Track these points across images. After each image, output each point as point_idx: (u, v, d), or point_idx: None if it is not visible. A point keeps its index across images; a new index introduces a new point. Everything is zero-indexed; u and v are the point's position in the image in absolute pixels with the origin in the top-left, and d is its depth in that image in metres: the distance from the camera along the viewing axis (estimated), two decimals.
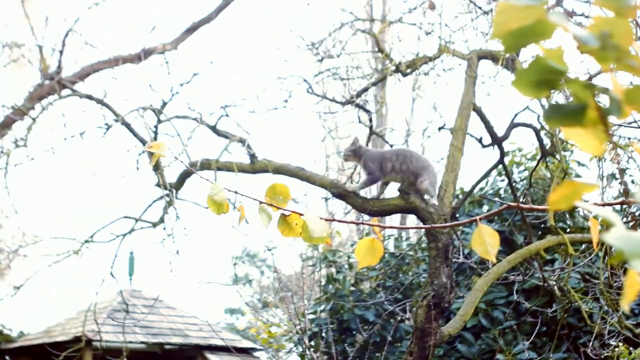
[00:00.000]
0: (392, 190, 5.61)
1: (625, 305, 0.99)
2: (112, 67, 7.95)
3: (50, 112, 6.69)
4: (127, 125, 6.56)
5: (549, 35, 0.94)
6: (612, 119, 0.98)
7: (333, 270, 9.61)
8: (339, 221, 2.07)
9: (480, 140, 6.32)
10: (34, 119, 6.58)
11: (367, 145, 6.95)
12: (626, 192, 6.32)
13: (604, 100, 0.98)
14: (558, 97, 6.15)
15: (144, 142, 6.48)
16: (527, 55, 6.09)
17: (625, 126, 5.45)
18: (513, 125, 6.22)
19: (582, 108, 0.96)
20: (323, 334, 8.79)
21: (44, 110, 6.63)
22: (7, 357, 11.53)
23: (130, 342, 9.85)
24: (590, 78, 5.53)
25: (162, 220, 6.65)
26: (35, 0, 8.98)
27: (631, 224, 6.33)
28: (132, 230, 6.63)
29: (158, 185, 6.44)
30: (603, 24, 0.94)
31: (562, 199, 1.09)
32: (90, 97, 6.67)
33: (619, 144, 6.01)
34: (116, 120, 6.46)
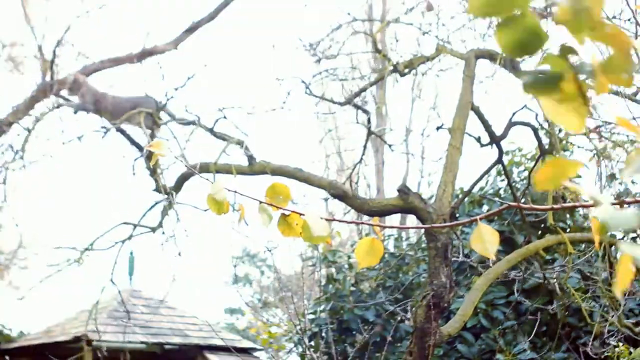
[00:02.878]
0: (392, 191, 5.63)
1: (618, 293, 0.99)
2: (110, 68, 7.95)
3: (47, 117, 6.69)
4: (122, 132, 6.55)
5: (525, 5, 0.95)
6: (611, 118, 0.99)
7: (333, 270, 9.62)
8: (339, 221, 2.07)
9: (478, 140, 6.33)
10: (29, 130, 6.59)
11: (365, 145, 6.96)
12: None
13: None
14: None
15: (140, 148, 6.48)
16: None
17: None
18: (511, 124, 6.22)
19: (558, 77, 0.97)
20: (323, 334, 8.79)
21: (39, 120, 6.63)
22: (7, 357, 11.53)
23: (130, 342, 9.85)
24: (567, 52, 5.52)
25: (160, 225, 6.65)
26: (35, 1, 8.98)
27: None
28: (131, 236, 6.63)
29: (157, 189, 6.44)
30: None
31: (547, 179, 1.09)
32: (84, 108, 6.67)
33: (619, 143, 6.01)
34: (114, 124, 6.45)
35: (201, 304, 26.35)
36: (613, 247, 6.03)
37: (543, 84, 0.98)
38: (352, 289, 9.45)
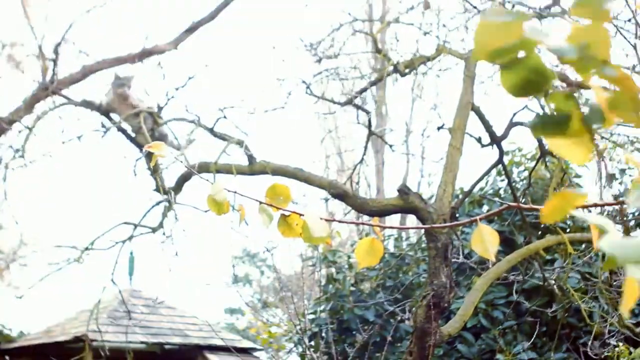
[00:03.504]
0: (392, 191, 5.65)
1: (625, 311, 0.99)
2: (110, 68, 7.94)
3: (47, 116, 6.68)
4: (124, 131, 6.55)
5: (530, 50, 0.95)
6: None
7: (333, 270, 9.62)
8: (339, 221, 2.08)
9: (479, 140, 6.33)
10: (30, 129, 6.58)
11: (366, 145, 6.96)
12: (609, 177, 6.31)
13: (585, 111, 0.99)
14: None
15: (141, 147, 6.48)
16: None
17: (624, 125, 5.45)
18: (512, 125, 6.23)
19: (566, 118, 0.97)
20: (323, 334, 8.79)
21: (39, 119, 6.63)
22: (7, 357, 11.53)
23: (130, 342, 9.85)
24: (580, 87, 5.55)
25: (161, 225, 6.65)
26: (35, 1, 8.98)
27: (624, 226, 6.33)
28: (132, 236, 6.63)
29: (157, 189, 6.44)
30: (581, 34, 0.95)
31: (554, 211, 1.09)
32: (85, 105, 6.67)
33: (619, 144, 6.01)
34: (114, 124, 6.46)
35: (201, 304, 26.35)
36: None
37: (551, 125, 0.98)
38: (352, 289, 9.45)
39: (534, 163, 8.21)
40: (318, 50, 7.16)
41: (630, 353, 5.81)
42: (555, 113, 0.98)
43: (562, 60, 0.94)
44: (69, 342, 9.97)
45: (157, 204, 6.62)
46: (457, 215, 7.33)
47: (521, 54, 0.95)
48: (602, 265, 5.68)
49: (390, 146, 7.58)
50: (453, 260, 5.59)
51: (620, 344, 5.97)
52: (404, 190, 5.49)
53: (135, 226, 6.63)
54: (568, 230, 8.33)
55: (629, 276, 0.93)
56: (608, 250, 0.91)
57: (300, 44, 7.13)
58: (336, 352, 6.48)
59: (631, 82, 0.96)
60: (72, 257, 6.57)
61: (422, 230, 7.26)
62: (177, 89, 6.49)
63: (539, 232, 8.36)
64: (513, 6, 5.56)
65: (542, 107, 6.06)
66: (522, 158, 9.18)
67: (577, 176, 8.39)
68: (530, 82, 0.96)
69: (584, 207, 1.36)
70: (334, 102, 7.16)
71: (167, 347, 10.64)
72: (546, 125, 0.98)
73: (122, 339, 9.58)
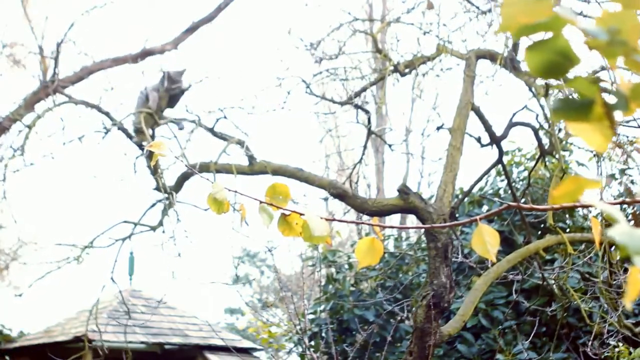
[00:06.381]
0: (392, 191, 5.65)
1: (627, 303, 0.99)
2: (110, 68, 7.95)
3: (48, 116, 6.69)
4: (124, 130, 6.56)
5: (558, 30, 0.94)
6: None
7: (333, 270, 9.61)
8: (339, 221, 2.07)
9: (479, 140, 6.33)
10: (30, 127, 6.58)
11: (365, 145, 6.96)
12: (629, 191, 6.32)
13: (608, 97, 0.98)
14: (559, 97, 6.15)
15: (141, 147, 6.49)
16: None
17: (624, 125, 5.45)
18: (512, 125, 6.23)
19: (589, 103, 0.96)
20: (323, 334, 8.79)
21: (40, 118, 6.63)
22: (7, 357, 11.53)
23: (130, 342, 9.85)
24: (595, 74, 5.52)
25: (161, 223, 6.66)
26: (35, 1, 8.98)
27: (633, 222, 6.33)
28: (132, 234, 6.63)
29: (157, 188, 6.44)
30: (611, 19, 0.94)
31: (565, 195, 1.09)
32: (86, 104, 6.67)
33: (620, 143, 6.01)
34: (114, 124, 6.46)
35: (201, 304, 26.37)
36: (613, 248, 6.03)
37: (574, 110, 0.97)
38: (352, 289, 9.45)
39: (533, 163, 8.21)
40: (318, 50, 7.16)
41: (630, 353, 5.81)
42: (578, 97, 0.97)
43: (591, 43, 0.93)
44: (69, 342, 9.97)
45: (157, 202, 6.63)
46: (457, 215, 7.33)
47: (548, 34, 0.94)
48: (606, 260, 5.68)
49: (390, 146, 7.58)
50: (453, 260, 5.59)
51: (620, 344, 5.97)
52: (404, 190, 5.49)
53: (135, 225, 6.63)
54: (568, 230, 8.33)
55: (634, 268, 0.92)
56: (618, 239, 0.90)
57: (301, 44, 7.13)
58: (336, 352, 6.48)
59: None
60: (72, 255, 6.57)
61: (422, 230, 7.26)
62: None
63: (539, 232, 8.36)
64: None
65: (542, 108, 6.06)
66: (521, 158, 9.18)
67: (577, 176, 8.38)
68: (556, 64, 0.95)
69: (583, 206, 1.36)
70: (334, 102, 7.17)
71: (167, 347, 10.64)
72: (569, 108, 0.98)
73: (122, 339, 9.58)
